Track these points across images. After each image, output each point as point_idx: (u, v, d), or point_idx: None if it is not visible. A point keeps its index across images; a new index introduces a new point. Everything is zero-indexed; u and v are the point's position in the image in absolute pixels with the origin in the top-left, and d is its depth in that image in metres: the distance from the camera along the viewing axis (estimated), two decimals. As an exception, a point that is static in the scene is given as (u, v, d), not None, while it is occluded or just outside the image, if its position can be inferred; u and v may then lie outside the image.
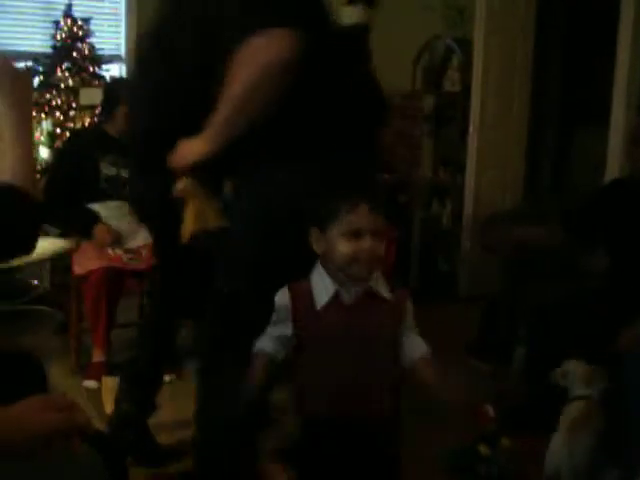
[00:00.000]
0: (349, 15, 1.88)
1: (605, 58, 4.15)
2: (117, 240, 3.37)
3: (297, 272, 1.75)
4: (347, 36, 1.84)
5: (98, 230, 3.34)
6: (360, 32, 1.71)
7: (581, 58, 5.28)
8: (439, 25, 4.78)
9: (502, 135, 4.56)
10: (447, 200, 4.95)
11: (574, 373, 2.56)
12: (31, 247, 1.37)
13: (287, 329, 1.70)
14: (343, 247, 1.62)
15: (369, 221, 1.63)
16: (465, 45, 4.60)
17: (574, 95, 5.33)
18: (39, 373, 1.69)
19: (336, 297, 1.68)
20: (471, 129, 4.49)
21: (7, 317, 3.92)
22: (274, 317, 1.72)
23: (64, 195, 3.39)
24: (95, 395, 3.06)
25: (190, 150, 1.93)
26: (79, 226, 3.43)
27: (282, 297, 1.71)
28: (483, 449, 2.52)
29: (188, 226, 2.07)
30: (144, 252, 3.36)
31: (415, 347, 1.77)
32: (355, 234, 1.62)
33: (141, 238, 3.42)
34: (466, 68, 4.58)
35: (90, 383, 3.19)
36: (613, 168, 3.81)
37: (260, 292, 1.85)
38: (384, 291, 1.72)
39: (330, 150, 1.88)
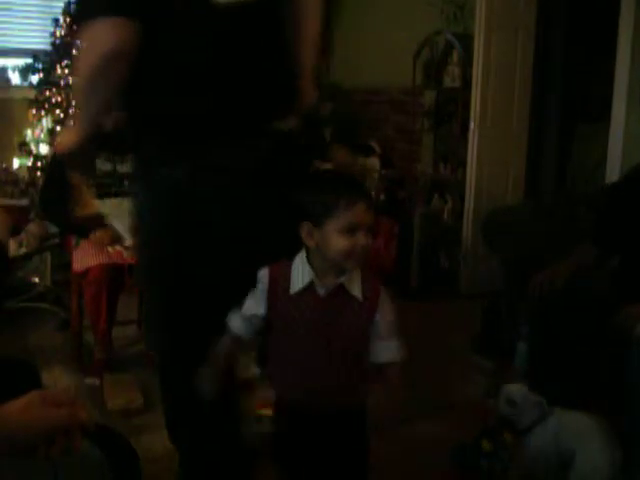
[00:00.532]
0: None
1: (606, 54, 4.14)
2: (116, 240, 3.35)
3: (188, 268, 1.83)
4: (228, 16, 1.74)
5: (98, 232, 3.33)
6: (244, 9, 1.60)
7: (582, 53, 5.27)
8: (439, 20, 4.77)
9: (503, 130, 4.55)
10: (448, 196, 4.95)
11: (524, 402, 2.43)
12: None
13: (260, 308, 1.74)
14: (339, 242, 1.65)
15: (365, 218, 1.66)
16: (465, 40, 4.59)
17: (575, 90, 5.32)
18: (34, 378, 1.69)
19: (309, 287, 1.71)
20: (472, 125, 4.48)
21: (9, 315, 3.92)
22: (251, 293, 1.75)
23: (62, 193, 3.38)
24: (97, 392, 3.06)
25: (62, 140, 2.06)
26: (77, 227, 3.42)
27: (262, 276, 1.73)
28: (486, 445, 2.52)
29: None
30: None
31: (382, 351, 1.80)
32: (351, 230, 1.65)
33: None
34: (466, 63, 4.57)
35: (92, 380, 3.19)
36: (614, 163, 3.80)
37: (151, 289, 1.99)
38: (357, 289, 1.74)
39: (218, 141, 1.83)
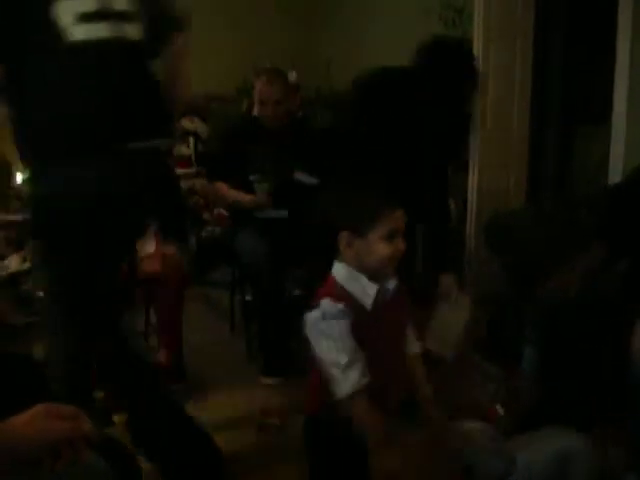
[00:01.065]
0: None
1: (605, 56, 4.14)
2: None
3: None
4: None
5: None
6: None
7: (581, 56, 5.28)
8: (438, 26, 4.78)
9: (504, 134, 4.55)
10: (450, 200, 4.94)
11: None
12: None
13: (354, 343, 1.67)
14: (383, 249, 1.70)
15: (402, 224, 1.73)
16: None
17: (575, 93, 5.32)
18: (40, 377, 1.70)
19: (377, 296, 1.74)
20: (471, 129, 4.48)
21: (14, 330, 3.92)
22: (346, 333, 1.66)
23: None
24: (102, 404, 3.06)
25: None
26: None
27: (340, 311, 1.68)
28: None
29: None
30: (147, 262, 3.35)
31: (413, 342, 1.90)
32: (391, 236, 1.70)
33: (148, 247, 3.42)
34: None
35: (97, 393, 3.18)
36: (616, 164, 3.80)
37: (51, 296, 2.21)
38: (397, 287, 1.82)
39: (122, 141, 1.99)
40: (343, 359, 1.64)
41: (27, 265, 3.69)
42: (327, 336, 1.67)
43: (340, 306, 1.67)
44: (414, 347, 1.91)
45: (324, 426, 1.78)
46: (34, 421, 1.15)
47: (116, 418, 2.55)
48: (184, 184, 5.02)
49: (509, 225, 3.64)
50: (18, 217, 4.55)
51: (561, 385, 2.87)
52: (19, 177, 4.75)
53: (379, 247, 1.70)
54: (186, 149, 5.43)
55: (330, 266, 1.80)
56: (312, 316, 1.70)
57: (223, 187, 3.70)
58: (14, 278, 3.94)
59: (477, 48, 4.39)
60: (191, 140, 5.44)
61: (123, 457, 1.52)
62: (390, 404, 1.80)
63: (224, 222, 4.54)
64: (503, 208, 4.38)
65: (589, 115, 5.05)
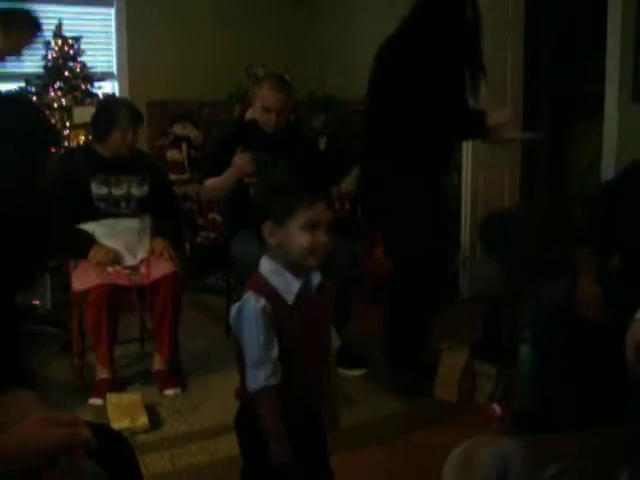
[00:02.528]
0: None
1: (596, 52, 4.15)
2: (115, 260, 3.35)
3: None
4: None
5: (95, 252, 3.33)
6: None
7: (572, 53, 5.29)
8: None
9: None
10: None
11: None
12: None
13: (276, 337, 1.71)
14: (302, 239, 1.72)
15: (325, 216, 1.74)
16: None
17: (567, 91, 5.34)
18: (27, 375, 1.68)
19: (300, 292, 1.75)
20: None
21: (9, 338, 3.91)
22: (261, 330, 1.69)
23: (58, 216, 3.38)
24: (100, 412, 3.05)
25: None
26: (74, 250, 3.41)
27: (260, 305, 1.70)
28: (492, 449, 2.50)
29: None
30: (143, 268, 3.35)
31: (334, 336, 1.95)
32: (312, 227, 1.72)
33: (140, 254, 3.42)
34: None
35: (95, 400, 3.18)
36: (609, 161, 3.80)
37: None
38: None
39: None
40: (255, 355, 1.69)
41: (22, 274, 3.68)
42: (245, 330, 1.71)
43: (262, 300, 1.70)
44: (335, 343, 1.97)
45: (246, 414, 1.82)
46: (31, 430, 1.14)
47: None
48: (177, 190, 5.01)
49: (504, 225, 3.66)
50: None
51: (556, 384, 2.88)
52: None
53: (298, 237, 1.73)
54: (179, 155, 5.42)
55: None
56: (235, 308, 1.73)
57: (210, 180, 3.71)
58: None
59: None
60: (184, 146, 5.43)
61: (123, 457, 1.51)
62: (313, 401, 1.84)
63: (218, 227, 4.54)
64: (497, 207, 4.39)
65: (581, 112, 5.06)
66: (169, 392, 3.29)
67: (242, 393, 1.82)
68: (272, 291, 1.74)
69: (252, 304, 1.70)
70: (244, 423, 1.85)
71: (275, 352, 1.70)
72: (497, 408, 2.56)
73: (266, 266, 1.78)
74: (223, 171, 3.68)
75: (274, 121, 3.64)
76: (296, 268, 1.76)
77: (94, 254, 3.32)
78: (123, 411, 2.99)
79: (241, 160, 3.53)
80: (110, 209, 3.42)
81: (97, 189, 3.41)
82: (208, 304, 4.60)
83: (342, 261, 3.44)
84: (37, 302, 4.20)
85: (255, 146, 3.65)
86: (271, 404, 1.71)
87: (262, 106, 3.66)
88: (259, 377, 1.69)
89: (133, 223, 3.46)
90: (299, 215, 1.73)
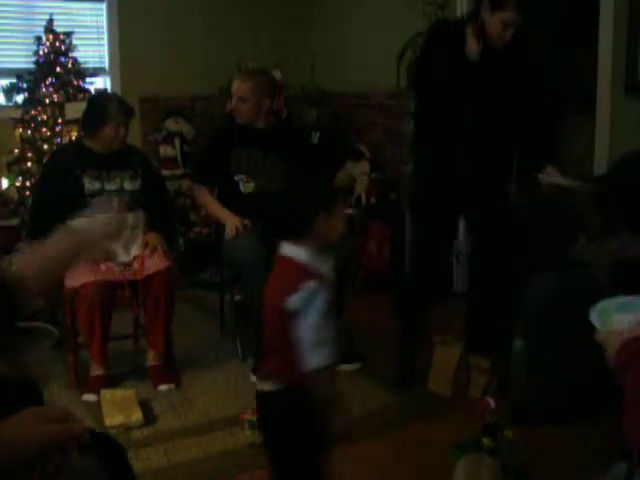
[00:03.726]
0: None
1: (587, 46, 4.16)
2: (107, 256, 3.33)
3: None
4: None
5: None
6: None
7: (564, 47, 5.29)
8: (421, 22, 4.78)
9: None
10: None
11: None
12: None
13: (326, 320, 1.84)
14: (340, 226, 1.92)
15: None
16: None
17: (559, 84, 5.33)
18: (36, 395, 1.67)
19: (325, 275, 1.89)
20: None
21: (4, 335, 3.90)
22: (322, 313, 1.81)
23: (50, 212, 3.36)
24: (94, 408, 3.05)
25: None
26: None
27: (320, 289, 1.82)
28: (486, 441, 2.51)
29: None
30: (136, 264, 3.35)
31: None
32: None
33: (134, 250, 3.40)
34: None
35: (89, 397, 3.18)
36: (601, 154, 3.81)
37: None
38: None
39: None
40: (317, 336, 1.80)
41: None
42: (309, 314, 1.80)
43: (318, 286, 1.81)
44: None
45: (297, 392, 1.87)
46: (22, 425, 1.13)
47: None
48: (171, 185, 5.01)
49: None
50: (6, 223, 4.53)
51: (549, 375, 2.89)
52: (4, 183, 4.74)
53: (339, 224, 1.91)
54: (172, 150, 5.41)
55: None
56: (297, 296, 1.80)
57: (206, 198, 3.76)
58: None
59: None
60: (176, 141, 5.42)
61: (115, 456, 1.50)
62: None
63: (212, 223, 4.52)
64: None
65: (574, 104, 5.06)
66: (163, 387, 3.29)
67: (287, 375, 1.88)
68: (319, 275, 1.85)
69: (313, 290, 1.80)
70: (293, 401, 1.90)
71: (333, 331, 1.83)
72: (491, 401, 2.57)
73: (302, 255, 1.87)
74: (215, 171, 3.70)
75: (234, 108, 3.68)
76: (323, 252, 1.90)
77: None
78: (117, 407, 2.99)
79: (231, 225, 3.52)
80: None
81: (90, 184, 3.40)
82: (202, 299, 4.60)
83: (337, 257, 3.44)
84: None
85: (245, 143, 3.66)
86: (332, 380, 1.86)
87: (232, 96, 3.71)
88: (321, 355, 1.80)
89: (127, 220, 3.44)
90: (338, 205, 1.95)
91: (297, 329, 1.81)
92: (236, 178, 3.66)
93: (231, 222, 3.54)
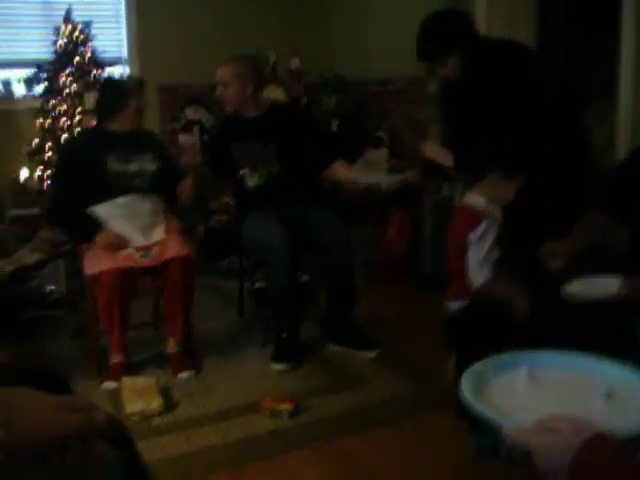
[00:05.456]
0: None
1: (609, 35, 4.10)
2: (122, 244, 3.34)
3: None
4: None
5: (100, 238, 3.33)
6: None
7: (585, 36, 5.22)
8: (440, 5, 4.73)
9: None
10: (457, 183, 4.92)
11: None
12: None
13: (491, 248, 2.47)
14: (512, 194, 2.49)
15: None
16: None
17: (579, 74, 5.27)
18: (61, 386, 1.68)
19: None
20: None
21: (26, 324, 3.94)
22: (489, 243, 2.43)
23: (69, 194, 3.38)
24: (115, 396, 3.07)
25: None
26: (81, 236, 3.43)
27: (489, 227, 2.43)
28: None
29: None
30: (155, 249, 3.35)
31: None
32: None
33: (155, 236, 3.40)
34: (470, 48, 4.53)
35: (109, 384, 3.20)
36: (623, 145, 3.77)
37: None
38: None
39: None
40: (486, 260, 2.42)
41: (36, 256, 3.70)
42: (478, 244, 2.42)
43: (489, 224, 2.43)
44: None
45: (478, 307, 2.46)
46: (44, 413, 1.13)
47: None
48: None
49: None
50: (26, 212, 4.57)
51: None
52: (24, 173, 4.77)
53: (511, 191, 2.46)
54: (190, 138, 5.42)
55: None
56: (480, 230, 2.41)
57: None
58: (24, 272, 3.95)
59: (480, 26, 4.35)
60: (195, 129, 5.43)
61: (125, 443, 1.51)
62: None
63: (230, 211, 4.53)
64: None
65: (594, 95, 5.00)
66: (183, 375, 3.30)
67: (465, 294, 2.50)
68: (493, 217, 2.46)
69: (485, 228, 2.41)
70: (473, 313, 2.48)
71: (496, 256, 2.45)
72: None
73: (481, 202, 2.48)
74: (218, 167, 3.73)
75: (225, 96, 3.67)
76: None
77: (100, 238, 3.32)
78: (138, 394, 3.00)
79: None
80: (125, 185, 3.41)
81: (113, 165, 3.41)
82: (221, 287, 4.61)
83: (338, 248, 3.45)
84: (52, 287, 4.22)
85: (241, 137, 3.66)
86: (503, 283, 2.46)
87: (218, 84, 3.73)
88: (479, 279, 2.43)
89: (147, 205, 3.46)
90: (519, 178, 2.46)
91: (471, 257, 2.42)
92: (241, 172, 3.66)
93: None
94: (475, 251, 2.42)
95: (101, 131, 3.54)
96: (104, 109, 3.57)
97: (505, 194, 2.47)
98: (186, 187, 3.56)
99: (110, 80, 3.99)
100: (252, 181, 3.66)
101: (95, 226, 3.35)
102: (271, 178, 3.65)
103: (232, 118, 3.75)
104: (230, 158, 3.68)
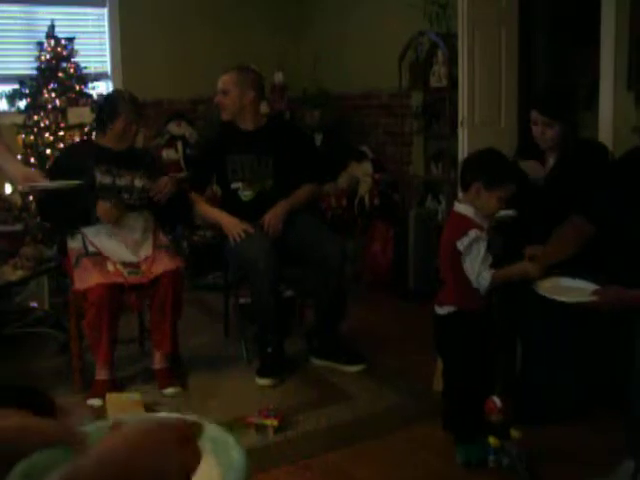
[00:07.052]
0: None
1: (590, 43, 4.15)
2: (122, 214, 3.36)
3: None
4: None
5: (100, 209, 3.32)
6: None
7: (566, 44, 5.28)
8: (422, 21, 4.78)
9: (492, 127, 4.54)
10: (441, 196, 4.95)
11: None
12: None
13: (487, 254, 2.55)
14: (495, 205, 2.55)
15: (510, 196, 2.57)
16: (449, 40, 4.60)
17: (561, 82, 5.33)
18: (47, 404, 1.65)
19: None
20: (460, 123, 4.47)
21: (8, 341, 3.91)
22: (485, 250, 2.49)
23: (61, 205, 3.36)
24: (100, 412, 3.05)
25: None
26: (80, 217, 3.40)
27: (483, 235, 2.51)
28: (493, 441, 2.50)
29: None
30: (144, 265, 3.34)
31: None
32: (502, 200, 2.53)
33: (143, 252, 3.39)
34: (452, 62, 4.57)
35: (94, 401, 3.17)
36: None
37: None
38: None
39: None
40: (483, 267, 2.49)
41: (19, 274, 3.67)
42: (473, 252, 2.49)
43: (480, 233, 2.50)
44: None
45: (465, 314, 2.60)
46: (160, 445, 0.90)
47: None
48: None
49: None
50: (10, 228, 4.53)
51: (542, 374, 2.90)
52: (8, 188, 4.74)
53: (494, 202, 2.52)
54: (174, 154, 5.42)
55: None
56: (465, 240, 2.48)
57: (203, 206, 3.75)
58: (7, 289, 3.93)
59: (462, 42, 4.39)
60: (179, 145, 5.43)
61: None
62: None
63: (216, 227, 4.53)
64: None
65: (577, 102, 5.06)
66: (168, 391, 3.28)
67: (456, 300, 2.61)
68: (481, 227, 2.52)
69: (478, 235, 2.48)
70: (462, 321, 2.62)
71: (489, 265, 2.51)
72: (497, 400, 2.56)
73: (470, 211, 2.55)
74: (210, 178, 3.73)
75: (223, 103, 3.63)
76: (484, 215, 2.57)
77: (99, 211, 3.33)
78: (123, 411, 2.98)
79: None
80: (111, 199, 3.39)
81: (101, 178, 3.40)
82: (206, 302, 4.60)
83: (335, 258, 3.44)
84: (35, 304, 4.19)
85: (237, 149, 3.64)
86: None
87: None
88: (487, 277, 2.50)
89: (137, 221, 3.45)
90: (502, 189, 2.52)
91: (463, 264, 2.51)
92: (233, 186, 3.65)
93: (232, 229, 3.52)
94: (470, 260, 2.50)
95: (92, 144, 3.55)
96: (97, 124, 3.59)
97: (488, 205, 2.53)
98: (162, 185, 3.51)
99: (109, 94, 3.97)
100: (245, 195, 3.65)
101: (91, 204, 3.34)
102: (264, 193, 3.64)
103: (228, 128, 3.72)
104: (223, 171, 3.65)
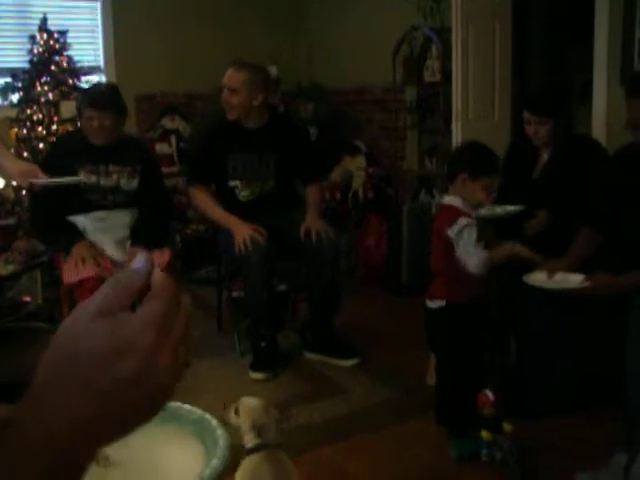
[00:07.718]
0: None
1: (584, 39, 4.15)
2: (96, 256, 3.26)
3: None
4: None
5: (76, 248, 3.26)
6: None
7: (560, 39, 5.29)
8: (416, 16, 4.78)
9: (486, 121, 4.54)
10: (434, 191, 4.95)
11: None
12: None
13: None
14: (481, 195, 2.57)
15: (495, 187, 2.63)
16: (443, 34, 4.60)
17: (555, 77, 5.33)
18: None
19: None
20: (454, 117, 4.48)
21: (0, 336, 3.90)
22: (475, 235, 2.52)
23: (49, 207, 3.34)
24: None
25: None
26: (61, 245, 3.37)
27: (473, 222, 2.55)
28: (485, 434, 2.51)
29: None
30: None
31: None
32: (490, 189, 2.57)
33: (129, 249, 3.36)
34: (445, 57, 4.57)
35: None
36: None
37: None
38: None
39: None
40: (476, 250, 2.51)
41: (11, 268, 3.66)
42: (465, 238, 2.51)
43: (471, 220, 2.55)
44: None
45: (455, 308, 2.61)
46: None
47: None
48: (167, 183, 4.99)
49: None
50: (2, 222, 4.52)
51: (537, 369, 2.90)
52: (1, 183, 4.72)
53: (480, 192, 2.55)
54: (168, 148, 5.41)
55: None
56: (455, 227, 2.52)
57: (207, 202, 3.65)
58: (-1, 283, 3.91)
59: (456, 37, 4.39)
60: (172, 139, 5.42)
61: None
62: None
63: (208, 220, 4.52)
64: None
65: (570, 98, 5.07)
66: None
67: (444, 292, 2.65)
68: (469, 216, 2.56)
69: (467, 222, 2.52)
70: (453, 314, 2.63)
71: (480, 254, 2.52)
72: (490, 394, 2.56)
73: (458, 202, 2.59)
74: (211, 174, 3.65)
75: (231, 103, 3.53)
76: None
77: (76, 250, 3.26)
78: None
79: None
80: (97, 201, 3.36)
81: (86, 178, 3.32)
82: (199, 296, 4.59)
83: (329, 252, 3.44)
84: (28, 298, 4.18)
85: (239, 147, 3.59)
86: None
87: (224, 87, 3.59)
88: (480, 259, 2.50)
89: (124, 218, 3.41)
90: (486, 178, 2.56)
91: (456, 250, 2.54)
92: (231, 184, 3.61)
93: (241, 234, 3.39)
94: (462, 244, 2.54)
95: (79, 139, 3.42)
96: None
97: (474, 196, 2.58)
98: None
99: (86, 88, 3.93)
100: (243, 195, 3.62)
101: (73, 238, 3.30)
102: (264, 193, 3.62)
103: (230, 126, 3.62)
104: (223, 168, 3.60)
